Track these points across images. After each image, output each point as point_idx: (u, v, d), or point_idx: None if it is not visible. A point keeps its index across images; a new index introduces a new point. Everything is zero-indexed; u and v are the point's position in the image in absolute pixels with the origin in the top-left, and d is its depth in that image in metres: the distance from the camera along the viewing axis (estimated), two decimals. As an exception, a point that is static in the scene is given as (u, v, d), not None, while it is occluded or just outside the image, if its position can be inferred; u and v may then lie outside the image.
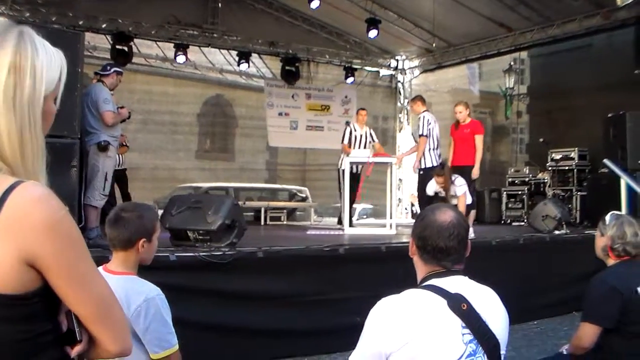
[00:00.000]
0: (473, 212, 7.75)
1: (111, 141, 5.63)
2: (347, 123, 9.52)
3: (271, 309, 5.17)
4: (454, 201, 7.06)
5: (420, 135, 8.06)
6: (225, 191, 12.51)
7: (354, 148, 8.88)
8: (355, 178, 8.65)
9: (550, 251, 7.14)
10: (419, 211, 8.99)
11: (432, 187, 7.30)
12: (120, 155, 8.96)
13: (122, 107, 6.01)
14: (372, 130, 9.26)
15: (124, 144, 9.19)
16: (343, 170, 8.37)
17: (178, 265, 4.71)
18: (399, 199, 13.12)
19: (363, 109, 9.38)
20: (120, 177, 8.78)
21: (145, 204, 2.71)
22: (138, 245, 2.32)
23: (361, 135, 9.02)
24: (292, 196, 13.95)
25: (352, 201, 8.80)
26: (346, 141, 9.01)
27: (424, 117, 8.06)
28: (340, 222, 9.10)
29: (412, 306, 1.79)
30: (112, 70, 5.95)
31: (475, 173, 7.64)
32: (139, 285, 2.29)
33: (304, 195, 13.72)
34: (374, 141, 9.13)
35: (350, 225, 8.35)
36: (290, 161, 15.71)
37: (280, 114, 12.74)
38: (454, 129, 7.93)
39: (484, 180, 10.51)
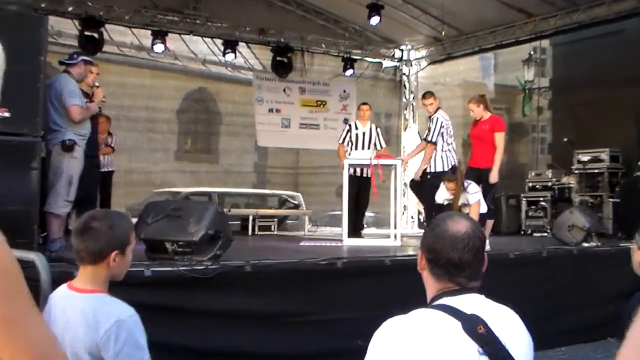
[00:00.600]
0: (490, 222, 7.58)
1: (77, 140, 5.59)
2: (346, 121, 9.43)
3: (260, 330, 5.15)
4: (465, 210, 6.87)
5: (429, 142, 7.91)
6: (209, 197, 12.52)
7: (355, 149, 8.80)
8: (362, 182, 8.56)
9: (578, 266, 7.12)
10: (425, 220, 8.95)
11: (443, 195, 7.09)
12: (107, 156, 9.05)
13: (91, 101, 5.99)
14: (378, 130, 9.06)
15: (109, 144, 9.23)
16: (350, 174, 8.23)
17: (154, 282, 4.69)
18: (405, 206, 13.12)
19: (365, 104, 9.24)
20: (103, 180, 8.80)
21: (118, 211, 2.70)
22: (109, 259, 2.30)
23: (363, 134, 8.85)
24: (283, 203, 13.94)
25: (360, 208, 8.77)
26: (341, 140, 8.91)
27: (437, 119, 7.88)
28: (358, 232, 8.73)
29: (422, 329, 1.77)
30: (80, 59, 5.91)
31: (494, 177, 7.42)
32: (109, 305, 2.27)
33: (296, 202, 13.70)
34: (380, 143, 8.94)
35: (351, 235, 8.18)
36: (282, 163, 15.73)
37: (270, 110, 12.75)
38: (473, 126, 7.85)
39: (501, 186, 10.51)
